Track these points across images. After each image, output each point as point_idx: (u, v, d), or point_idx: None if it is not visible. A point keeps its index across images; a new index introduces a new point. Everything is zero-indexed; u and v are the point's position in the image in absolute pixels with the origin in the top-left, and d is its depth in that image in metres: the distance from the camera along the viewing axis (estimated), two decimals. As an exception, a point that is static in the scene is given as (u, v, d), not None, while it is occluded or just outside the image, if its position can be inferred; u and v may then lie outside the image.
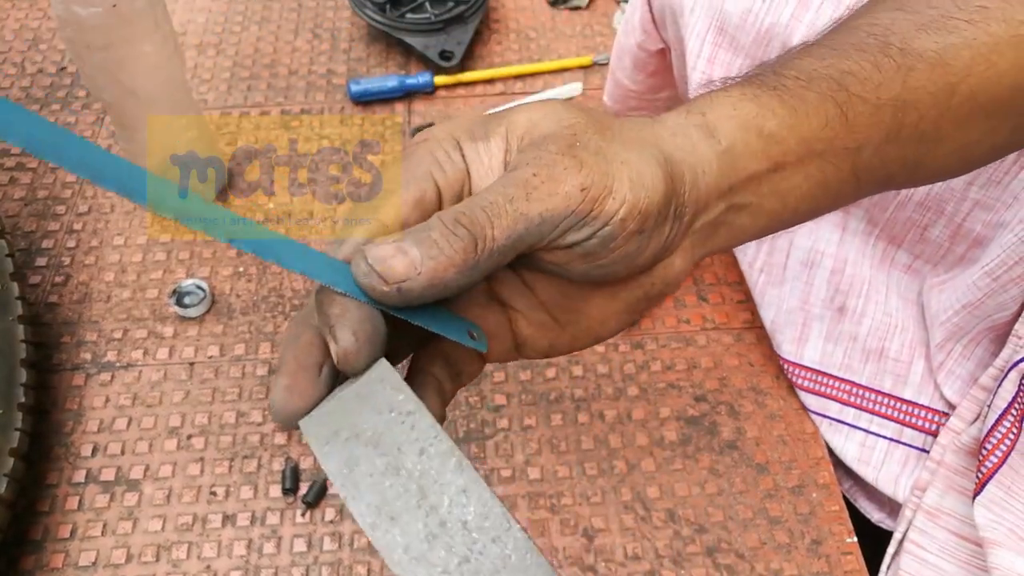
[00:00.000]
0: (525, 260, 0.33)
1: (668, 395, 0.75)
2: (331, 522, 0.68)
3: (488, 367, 0.76)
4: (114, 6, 0.67)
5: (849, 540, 0.67)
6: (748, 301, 0.80)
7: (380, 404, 0.24)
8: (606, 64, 1.01)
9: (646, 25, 0.76)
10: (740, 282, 0.82)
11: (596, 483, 0.70)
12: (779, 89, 0.37)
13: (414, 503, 0.22)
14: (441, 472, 0.22)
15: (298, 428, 0.27)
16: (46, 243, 0.85)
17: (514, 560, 0.21)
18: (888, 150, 0.38)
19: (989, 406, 0.55)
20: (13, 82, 0.99)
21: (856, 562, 0.66)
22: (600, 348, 0.78)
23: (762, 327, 0.78)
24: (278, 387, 0.30)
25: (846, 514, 0.68)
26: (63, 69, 1.01)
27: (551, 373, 0.76)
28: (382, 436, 0.24)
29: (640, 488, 0.70)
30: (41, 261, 0.83)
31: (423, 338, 0.35)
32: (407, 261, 0.28)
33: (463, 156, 0.33)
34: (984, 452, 0.54)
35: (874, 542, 0.68)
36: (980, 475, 0.54)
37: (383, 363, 0.25)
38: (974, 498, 0.54)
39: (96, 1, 0.67)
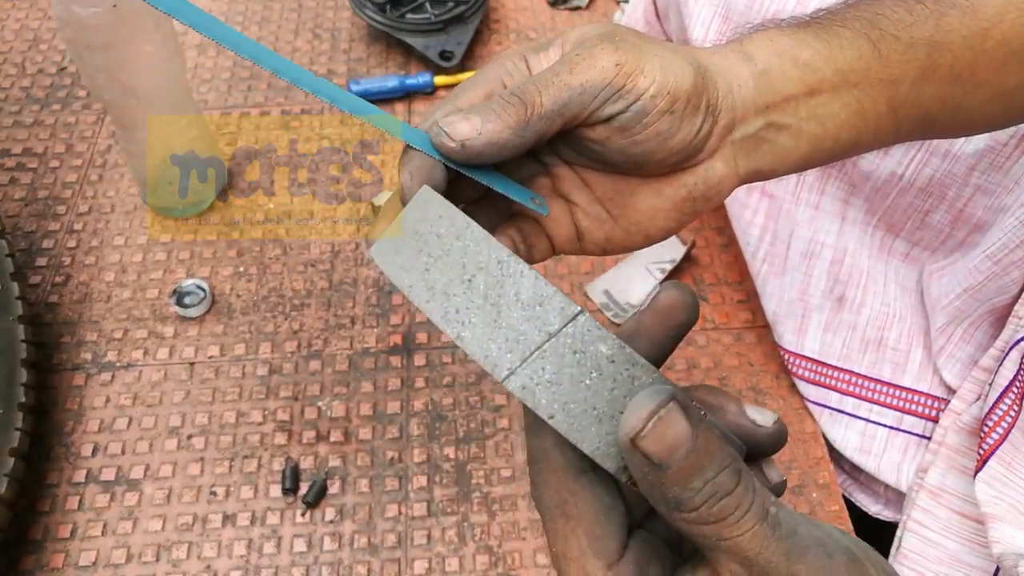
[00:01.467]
0: (575, 148, 0.38)
1: (668, 395, 0.75)
2: (331, 522, 0.68)
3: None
4: (114, 6, 0.67)
5: (849, 540, 0.67)
6: (748, 301, 0.80)
7: (430, 216, 0.27)
8: (606, 64, 1.01)
9: (649, 16, 0.77)
10: (740, 282, 0.82)
11: (596, 483, 0.70)
12: (813, 26, 0.40)
13: (465, 282, 0.25)
14: (477, 252, 0.26)
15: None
16: (46, 243, 0.85)
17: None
18: (925, 88, 0.39)
19: (991, 385, 0.56)
20: (13, 82, 0.99)
21: (856, 562, 0.66)
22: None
23: (763, 326, 0.78)
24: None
25: (846, 514, 0.68)
26: (63, 69, 1.01)
27: (551, 373, 0.76)
28: (435, 242, 0.27)
29: (640, 488, 0.70)
30: (41, 261, 0.83)
31: (501, 214, 0.41)
32: (469, 124, 0.35)
33: (527, 65, 0.38)
34: (985, 430, 0.54)
35: (870, 538, 0.68)
36: (981, 452, 0.54)
37: (425, 189, 0.28)
38: (975, 475, 0.54)
39: (96, 1, 0.67)
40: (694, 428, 0.25)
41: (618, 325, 0.79)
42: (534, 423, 0.30)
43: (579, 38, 0.37)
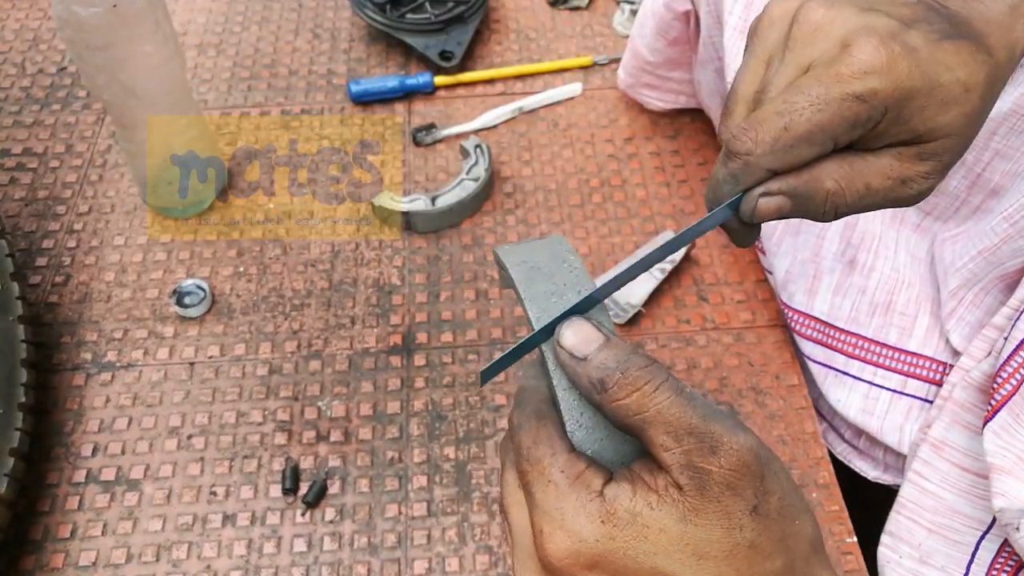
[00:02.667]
0: None
1: (668, 395, 0.75)
2: (331, 522, 0.68)
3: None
4: (114, 6, 0.67)
5: (849, 540, 0.67)
6: (748, 301, 0.80)
7: (555, 253, 0.35)
8: (606, 64, 1.01)
9: None
10: (741, 282, 0.82)
11: (596, 483, 0.70)
12: None
13: (562, 306, 0.33)
14: (579, 290, 0.34)
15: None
16: (46, 243, 0.85)
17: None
18: None
19: (1006, 339, 0.56)
20: (13, 82, 0.99)
21: (856, 562, 0.66)
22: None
23: (763, 326, 0.78)
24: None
25: (846, 514, 0.68)
26: (63, 69, 1.01)
27: (551, 373, 0.76)
28: (552, 270, 0.34)
29: (640, 488, 0.70)
30: (41, 261, 0.83)
31: None
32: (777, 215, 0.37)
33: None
34: (998, 382, 0.55)
35: (869, 503, 0.68)
36: (992, 403, 0.54)
37: (559, 236, 0.36)
38: (984, 425, 0.55)
39: (96, 1, 0.67)
40: (605, 335, 0.31)
41: (618, 325, 0.79)
42: (533, 367, 0.35)
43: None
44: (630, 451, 0.32)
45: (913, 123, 0.36)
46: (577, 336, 0.32)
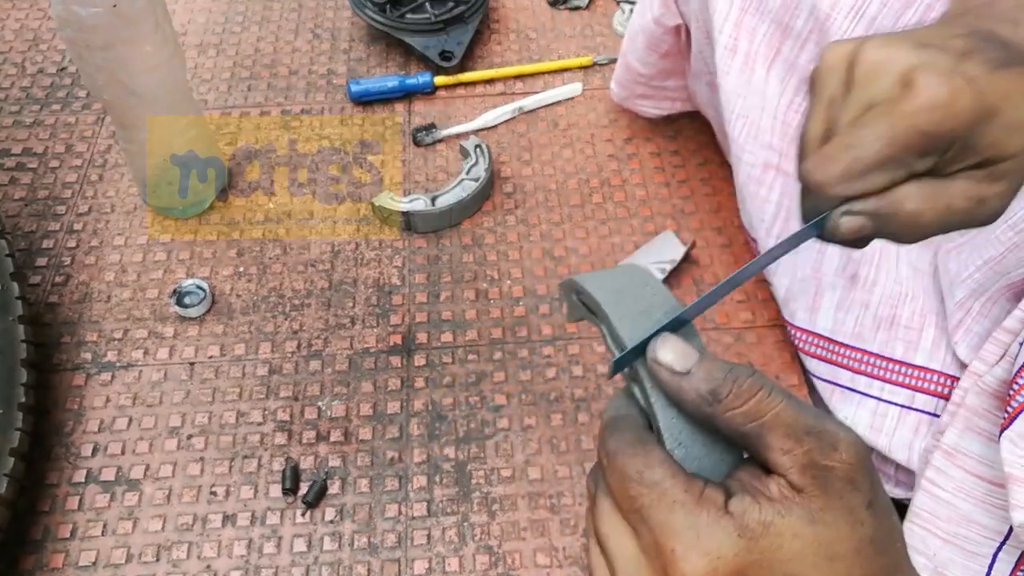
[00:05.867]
0: None
1: (668, 395, 0.75)
2: (331, 522, 0.68)
3: (487, 367, 0.76)
4: (114, 6, 0.67)
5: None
6: (748, 301, 0.80)
7: (635, 279, 0.36)
8: (606, 64, 1.01)
9: None
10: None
11: (596, 483, 0.70)
12: None
13: (650, 325, 0.34)
14: (666, 310, 0.34)
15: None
16: (46, 243, 0.85)
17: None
18: None
19: (1022, 343, 0.55)
20: (13, 82, 0.99)
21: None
22: (600, 348, 0.78)
23: (763, 326, 0.78)
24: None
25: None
26: (63, 69, 1.01)
27: (551, 373, 0.76)
28: (636, 294, 0.35)
29: (640, 488, 0.70)
30: (41, 261, 0.83)
31: None
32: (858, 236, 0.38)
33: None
34: (1015, 388, 0.54)
35: None
36: (1010, 410, 0.53)
37: (635, 264, 0.37)
38: (1001, 432, 0.54)
39: (96, 1, 0.67)
40: (699, 351, 0.32)
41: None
42: (619, 399, 0.35)
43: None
44: (727, 466, 0.33)
45: (981, 149, 0.37)
46: (675, 352, 0.32)
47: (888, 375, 0.68)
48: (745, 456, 0.32)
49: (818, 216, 0.38)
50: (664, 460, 0.31)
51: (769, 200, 0.71)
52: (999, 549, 0.57)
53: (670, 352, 0.32)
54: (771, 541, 0.29)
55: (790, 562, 0.29)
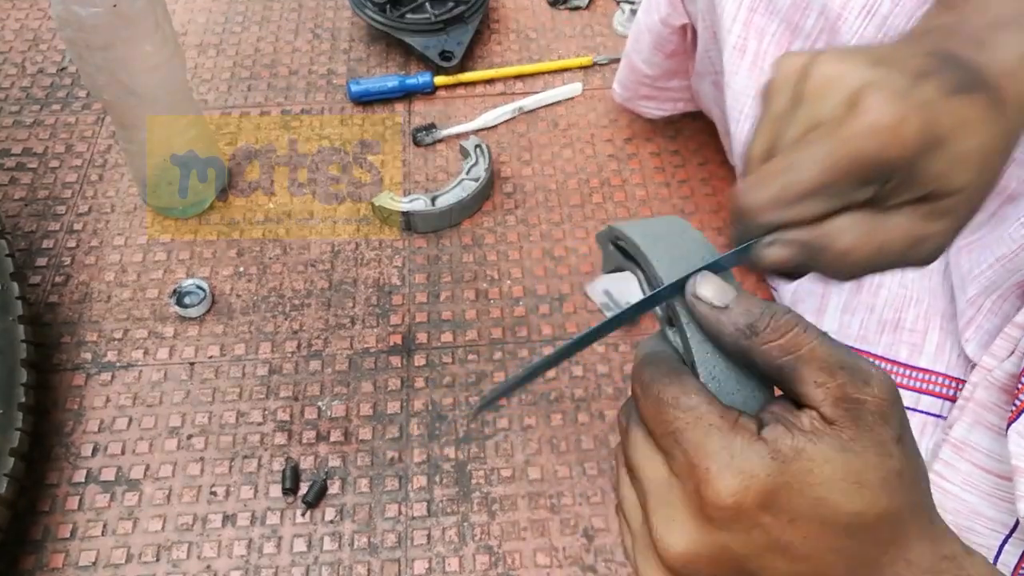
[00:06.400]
0: None
1: (668, 395, 0.75)
2: (331, 522, 0.68)
3: (487, 367, 0.76)
4: (114, 6, 0.67)
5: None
6: (748, 301, 0.80)
7: (675, 228, 0.37)
8: (606, 64, 1.01)
9: None
10: (740, 282, 0.82)
11: (596, 483, 0.70)
12: None
13: (688, 267, 0.34)
14: (704, 260, 0.35)
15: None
16: (46, 243, 0.85)
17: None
18: None
19: None
20: (13, 82, 0.99)
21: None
22: (600, 348, 0.78)
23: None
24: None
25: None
26: (63, 69, 1.01)
27: (551, 373, 0.76)
28: (674, 241, 0.36)
29: (640, 488, 0.70)
30: (41, 261, 0.83)
31: None
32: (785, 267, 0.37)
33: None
34: (1022, 383, 0.54)
35: None
36: (1017, 403, 0.54)
37: (674, 216, 0.37)
38: (1009, 426, 0.54)
39: (96, 1, 0.67)
40: (737, 289, 0.33)
41: (618, 325, 0.79)
42: (652, 338, 0.36)
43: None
44: (758, 403, 0.33)
45: (925, 181, 0.35)
46: (714, 287, 0.33)
47: (893, 378, 0.68)
48: (777, 394, 0.33)
49: (745, 243, 0.36)
50: (700, 388, 0.32)
51: None
52: (1005, 541, 0.57)
53: (710, 287, 0.33)
54: (802, 465, 0.29)
55: (819, 486, 0.29)
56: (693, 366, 0.33)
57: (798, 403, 0.31)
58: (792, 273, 0.38)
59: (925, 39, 0.39)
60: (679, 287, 0.34)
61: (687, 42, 0.82)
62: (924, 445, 0.66)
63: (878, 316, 0.69)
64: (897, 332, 0.68)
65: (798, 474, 0.29)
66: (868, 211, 0.36)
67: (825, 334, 0.31)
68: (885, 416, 0.30)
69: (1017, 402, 0.54)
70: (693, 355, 0.33)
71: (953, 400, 0.65)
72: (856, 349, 0.69)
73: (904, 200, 0.35)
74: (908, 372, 0.68)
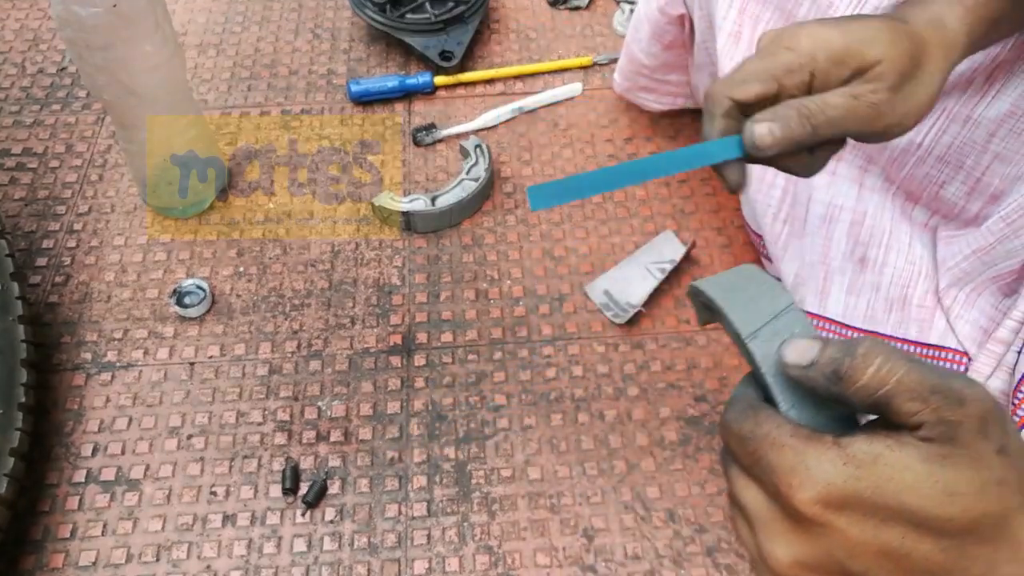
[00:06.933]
0: None
1: (668, 395, 0.75)
2: (331, 522, 0.68)
3: (487, 367, 0.76)
4: (114, 6, 0.67)
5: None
6: (748, 301, 0.80)
7: (746, 275, 0.41)
8: (606, 64, 1.01)
9: None
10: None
11: (596, 483, 0.70)
12: None
13: (762, 312, 0.38)
14: (775, 303, 0.38)
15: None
16: (46, 243, 0.85)
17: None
18: None
19: (1020, 352, 0.56)
20: (13, 82, 0.99)
21: None
22: (600, 348, 0.78)
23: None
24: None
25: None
26: (63, 69, 1.01)
27: (551, 373, 0.76)
28: (745, 288, 0.40)
29: (640, 488, 0.70)
30: (41, 261, 0.83)
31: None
32: (770, 135, 0.46)
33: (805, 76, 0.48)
34: (1017, 400, 0.54)
35: None
36: (1016, 420, 0.54)
37: (752, 265, 0.42)
38: None
39: (96, 1, 0.67)
40: (819, 340, 0.34)
41: (618, 325, 0.79)
42: (742, 382, 0.38)
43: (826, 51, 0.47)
44: (842, 425, 0.35)
45: (848, 61, 0.46)
46: (796, 351, 0.34)
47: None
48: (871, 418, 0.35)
49: (718, 127, 0.47)
50: (771, 415, 0.34)
51: (775, 185, 0.71)
52: None
53: (792, 352, 0.34)
54: (881, 471, 0.30)
55: (902, 492, 0.30)
56: (774, 401, 0.35)
57: (895, 426, 0.32)
58: (776, 159, 0.49)
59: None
60: (746, 334, 0.38)
61: (685, 33, 0.82)
62: None
63: (884, 294, 0.68)
64: (906, 309, 0.68)
65: (880, 480, 0.30)
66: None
67: (914, 360, 0.32)
68: (984, 431, 0.31)
69: (1015, 419, 0.54)
70: (771, 390, 0.35)
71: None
72: (864, 330, 0.69)
73: (840, 82, 0.47)
74: (918, 350, 0.67)
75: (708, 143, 0.48)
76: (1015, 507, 0.31)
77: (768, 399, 0.36)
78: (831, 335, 0.72)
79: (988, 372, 0.59)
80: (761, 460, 0.33)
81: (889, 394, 0.31)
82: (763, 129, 0.46)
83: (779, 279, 0.76)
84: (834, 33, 0.46)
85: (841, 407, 0.34)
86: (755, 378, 0.37)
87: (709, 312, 0.41)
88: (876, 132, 0.48)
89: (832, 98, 0.46)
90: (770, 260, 0.76)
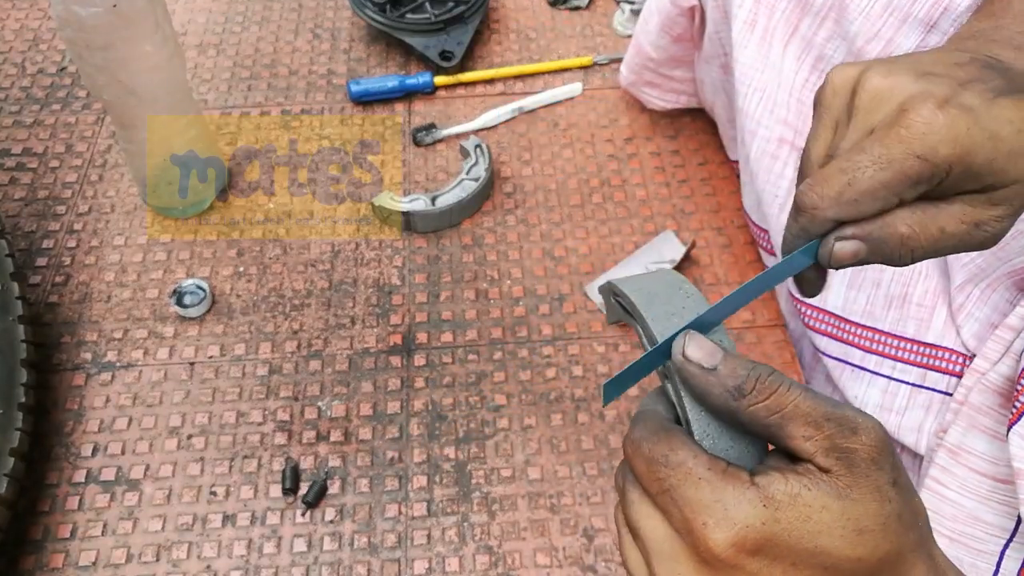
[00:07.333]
0: None
1: (668, 395, 0.75)
2: (331, 522, 0.68)
3: (487, 367, 0.76)
4: (114, 6, 0.67)
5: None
6: (748, 301, 0.80)
7: (671, 282, 0.38)
8: (606, 64, 1.01)
9: None
10: (741, 282, 0.82)
11: (596, 483, 0.70)
12: None
13: (681, 324, 0.35)
14: (697, 311, 0.36)
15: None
16: (46, 243, 0.85)
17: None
18: None
19: None
20: (13, 82, 0.99)
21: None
22: (600, 348, 0.78)
23: (763, 326, 0.78)
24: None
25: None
26: (63, 69, 1.01)
27: (551, 373, 0.76)
28: (669, 295, 0.37)
29: (640, 488, 0.70)
30: (41, 261, 0.83)
31: None
32: (854, 260, 0.39)
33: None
34: (1022, 384, 0.54)
35: None
36: (1018, 406, 0.53)
37: (671, 270, 0.38)
38: (1009, 428, 0.53)
39: (96, 1, 0.67)
40: (725, 349, 0.33)
41: (618, 325, 0.79)
42: (650, 396, 0.37)
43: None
44: (753, 459, 0.34)
45: (982, 177, 0.37)
46: (702, 349, 0.33)
47: (900, 354, 0.68)
48: (771, 449, 0.34)
49: (808, 241, 0.39)
50: (686, 442, 0.32)
51: (784, 176, 0.71)
52: (1006, 546, 0.57)
53: (697, 349, 0.33)
54: (798, 512, 0.30)
55: (819, 534, 0.30)
56: (687, 423, 0.34)
57: (793, 458, 0.32)
58: (853, 265, 0.40)
59: (966, 46, 0.42)
60: (669, 347, 0.35)
61: (695, 27, 0.82)
62: (929, 423, 0.66)
63: (885, 291, 0.68)
64: (905, 307, 0.68)
65: (795, 521, 0.30)
66: (925, 202, 0.38)
67: (808, 389, 0.32)
68: (878, 461, 0.30)
69: (1017, 404, 0.54)
70: (687, 412, 0.34)
71: (960, 376, 0.65)
72: (862, 325, 0.69)
73: (962, 192, 0.38)
74: (915, 347, 0.67)
75: (780, 266, 0.40)
76: (910, 546, 0.31)
77: (678, 419, 0.35)
78: (830, 330, 0.72)
79: (995, 358, 0.59)
80: (673, 491, 0.31)
81: (785, 417, 0.31)
82: (849, 251, 0.38)
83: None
84: (979, 138, 0.36)
85: (749, 435, 0.33)
86: (665, 394, 0.36)
87: (624, 313, 0.39)
88: (970, 250, 0.40)
89: (950, 225, 0.38)
90: (773, 255, 0.75)
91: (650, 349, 0.35)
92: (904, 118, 0.36)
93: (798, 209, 0.38)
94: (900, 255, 0.38)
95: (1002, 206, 0.38)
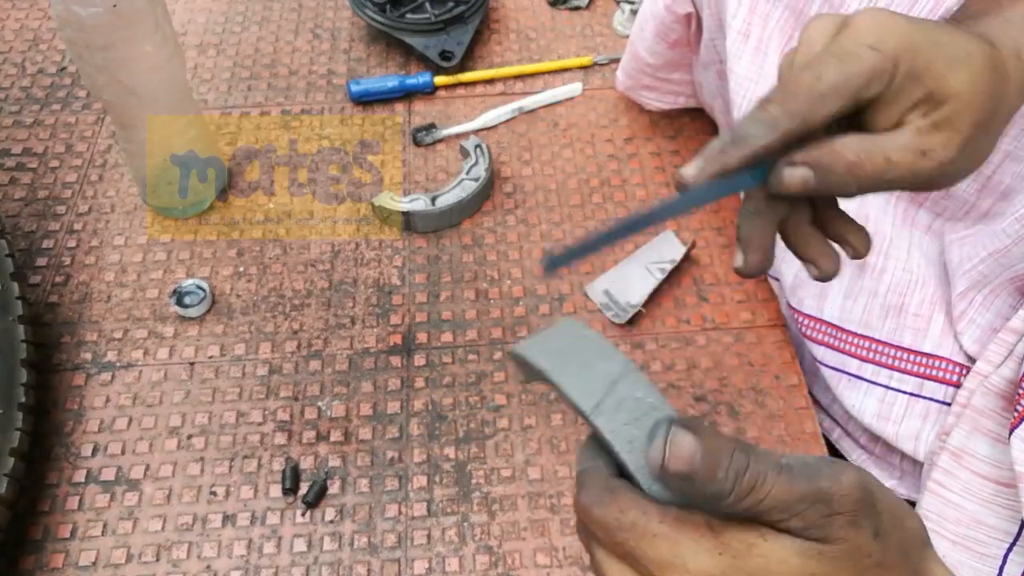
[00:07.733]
0: None
1: (668, 395, 0.75)
2: (331, 522, 0.68)
3: (487, 367, 0.76)
4: (114, 6, 0.67)
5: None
6: (748, 301, 0.81)
7: (573, 334, 0.37)
8: (606, 64, 1.01)
9: None
10: (740, 282, 0.82)
11: (596, 483, 0.70)
12: None
13: (598, 379, 0.35)
14: (610, 366, 0.35)
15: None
16: (46, 243, 0.85)
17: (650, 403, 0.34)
18: None
19: None
20: (13, 82, 0.99)
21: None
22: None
23: (763, 326, 0.78)
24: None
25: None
26: (63, 69, 1.01)
27: (551, 373, 0.76)
28: (575, 351, 0.36)
29: (640, 488, 0.70)
30: (41, 261, 0.83)
31: None
32: (802, 189, 0.39)
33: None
34: (1023, 389, 0.54)
35: None
36: (1019, 409, 0.53)
37: (567, 318, 0.39)
38: (1011, 431, 0.53)
39: (96, 1, 0.67)
40: (697, 435, 0.31)
41: (618, 325, 0.79)
42: (587, 450, 0.36)
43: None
44: None
45: (924, 80, 0.38)
46: (679, 459, 0.31)
47: (896, 363, 0.68)
48: None
49: (761, 165, 0.39)
50: (634, 499, 0.32)
51: None
52: (1009, 550, 0.57)
53: (676, 460, 0.31)
54: (756, 562, 0.30)
55: None
56: (630, 476, 0.33)
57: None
58: (802, 196, 0.41)
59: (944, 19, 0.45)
60: (588, 409, 0.34)
61: (691, 32, 0.82)
62: (927, 434, 0.66)
63: (881, 301, 0.68)
64: (901, 317, 0.68)
65: (753, 570, 0.30)
66: (873, 133, 0.39)
67: (782, 469, 0.30)
68: (856, 522, 0.30)
69: (1020, 408, 0.54)
70: (628, 467, 0.33)
71: (957, 386, 0.65)
72: (859, 335, 0.69)
73: (909, 105, 0.39)
74: (912, 357, 0.67)
75: (724, 185, 0.39)
76: None
77: (621, 472, 0.34)
78: (827, 340, 0.72)
79: (998, 361, 0.59)
80: (633, 553, 0.32)
81: (761, 513, 0.31)
82: (797, 177, 0.39)
83: (778, 279, 0.76)
84: (920, 38, 0.38)
85: None
86: (602, 445, 0.35)
87: (536, 375, 0.37)
88: (920, 187, 0.41)
89: (895, 153, 0.39)
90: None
91: (576, 405, 0.35)
92: (856, 18, 0.39)
93: (765, 102, 0.39)
94: (846, 183, 0.39)
95: (945, 132, 0.39)
